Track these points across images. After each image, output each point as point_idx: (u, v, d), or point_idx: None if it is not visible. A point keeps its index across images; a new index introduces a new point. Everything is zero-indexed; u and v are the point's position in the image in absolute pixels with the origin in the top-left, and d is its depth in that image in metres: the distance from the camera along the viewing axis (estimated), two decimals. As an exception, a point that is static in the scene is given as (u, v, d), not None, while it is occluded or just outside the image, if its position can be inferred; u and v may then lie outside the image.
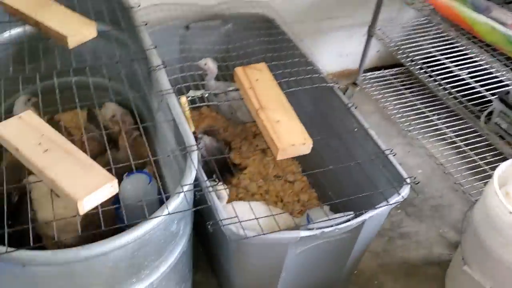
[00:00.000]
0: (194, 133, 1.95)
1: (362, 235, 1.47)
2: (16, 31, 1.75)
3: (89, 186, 1.05)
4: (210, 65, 1.90)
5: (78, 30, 1.49)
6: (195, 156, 1.22)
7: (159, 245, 1.15)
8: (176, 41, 2.08)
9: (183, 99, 1.75)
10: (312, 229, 1.30)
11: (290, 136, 1.40)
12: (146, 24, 1.66)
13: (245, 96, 1.57)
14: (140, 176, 1.71)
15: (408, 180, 1.44)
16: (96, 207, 1.08)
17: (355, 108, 1.67)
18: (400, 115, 2.37)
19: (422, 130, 2.28)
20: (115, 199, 1.84)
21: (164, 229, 1.13)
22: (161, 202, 1.13)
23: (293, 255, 1.39)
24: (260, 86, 1.57)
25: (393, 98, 2.47)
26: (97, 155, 1.76)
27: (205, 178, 1.34)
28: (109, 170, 1.11)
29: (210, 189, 1.27)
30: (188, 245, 1.33)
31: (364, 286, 1.79)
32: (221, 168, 1.73)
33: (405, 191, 1.41)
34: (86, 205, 1.04)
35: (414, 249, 1.94)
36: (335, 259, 1.56)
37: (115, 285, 1.13)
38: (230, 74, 1.69)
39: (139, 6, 1.74)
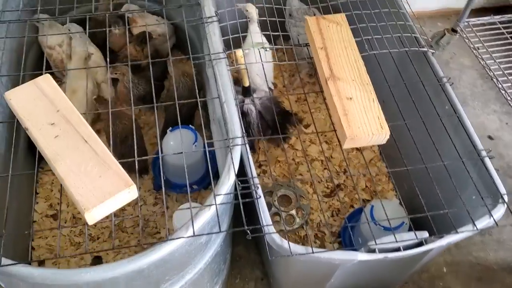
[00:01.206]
0: (247, 88, 1.68)
1: (433, 252, 1.22)
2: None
3: (101, 192, 0.86)
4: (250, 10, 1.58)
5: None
6: (237, 154, 0.98)
7: (183, 259, 0.97)
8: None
9: (239, 52, 1.48)
10: (374, 250, 1.07)
11: (362, 120, 1.14)
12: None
13: (315, 56, 1.30)
14: (185, 133, 1.52)
15: (505, 198, 1.14)
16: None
17: (451, 84, 1.34)
18: (504, 77, 1.94)
19: (529, 100, 1.87)
20: (156, 152, 1.68)
21: (189, 245, 0.93)
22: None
23: (345, 267, 1.17)
24: (334, 46, 1.29)
25: (499, 53, 2.01)
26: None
27: (253, 171, 1.09)
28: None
29: (260, 195, 1.01)
30: (223, 244, 1.14)
31: (424, 287, 1.56)
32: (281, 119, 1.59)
33: (499, 212, 1.12)
34: (96, 215, 0.86)
35: (494, 249, 1.65)
36: (395, 270, 1.33)
37: (130, 298, 0.98)
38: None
39: None
